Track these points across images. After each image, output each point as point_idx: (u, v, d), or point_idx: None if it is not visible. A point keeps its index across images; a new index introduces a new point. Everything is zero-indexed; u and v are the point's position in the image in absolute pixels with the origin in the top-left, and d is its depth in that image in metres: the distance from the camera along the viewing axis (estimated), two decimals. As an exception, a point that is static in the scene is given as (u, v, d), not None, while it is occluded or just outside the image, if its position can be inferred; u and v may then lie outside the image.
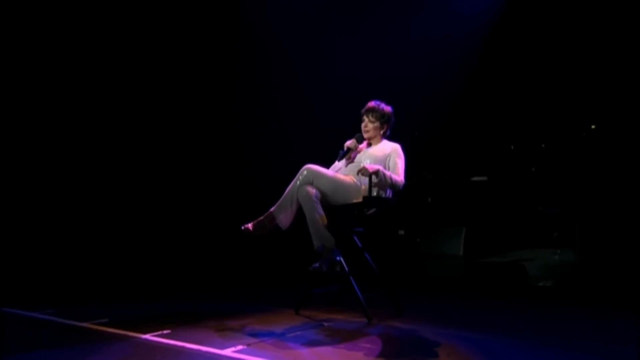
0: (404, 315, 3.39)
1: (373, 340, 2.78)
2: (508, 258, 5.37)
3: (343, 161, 3.52)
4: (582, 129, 5.47)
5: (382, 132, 3.56)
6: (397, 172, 3.40)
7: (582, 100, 5.79)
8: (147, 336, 2.75)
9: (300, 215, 3.23)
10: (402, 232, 5.54)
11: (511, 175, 5.84)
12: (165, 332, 2.85)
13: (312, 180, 3.20)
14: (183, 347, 2.55)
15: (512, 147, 6.20)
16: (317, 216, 3.14)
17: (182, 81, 5.90)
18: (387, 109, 3.56)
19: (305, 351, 2.53)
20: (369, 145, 3.59)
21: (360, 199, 3.26)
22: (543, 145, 6.02)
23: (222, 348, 2.51)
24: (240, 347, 2.55)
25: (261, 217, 3.24)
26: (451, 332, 2.93)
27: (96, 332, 2.91)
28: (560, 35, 5.90)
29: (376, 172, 3.21)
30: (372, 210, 3.46)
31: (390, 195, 3.44)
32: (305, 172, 3.22)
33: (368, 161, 3.41)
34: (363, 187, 3.29)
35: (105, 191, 5.39)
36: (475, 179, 5.72)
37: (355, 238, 3.45)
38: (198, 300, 4.19)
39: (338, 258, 3.20)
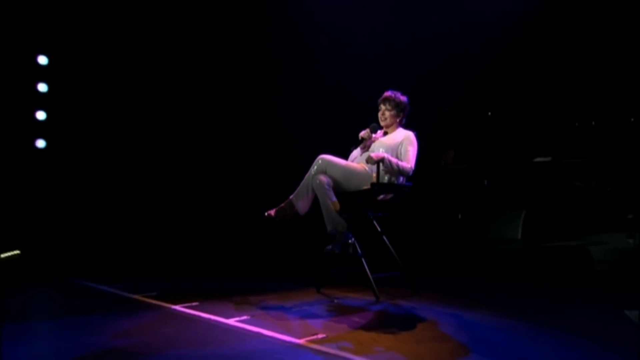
0: (418, 295, 3.66)
1: (367, 315, 3.13)
2: (574, 242, 5.30)
3: (359, 149, 3.85)
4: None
5: (398, 120, 3.83)
6: (407, 158, 3.66)
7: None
8: (177, 307, 3.34)
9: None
10: (460, 216, 5.69)
11: (587, 154, 5.72)
12: (194, 304, 3.41)
13: (325, 169, 3.58)
14: (195, 315, 3.10)
15: (593, 123, 6.06)
16: (330, 202, 3.51)
17: (203, 68, 6.71)
18: (403, 98, 3.82)
19: (297, 322, 2.95)
20: (385, 133, 3.88)
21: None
22: (632, 120, 5.82)
23: (228, 318, 3.02)
24: (244, 317, 3.04)
25: (282, 204, 3.68)
26: (448, 312, 3.18)
27: (141, 302, 3.55)
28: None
29: (382, 160, 3.51)
30: (389, 197, 3.76)
31: (404, 182, 3.71)
32: (319, 162, 3.61)
33: (382, 149, 3.71)
34: (374, 174, 3.61)
35: (158, 186, 6.47)
36: (538, 159, 5.68)
37: (375, 222, 3.77)
38: (236, 280, 4.71)
39: (351, 240, 3.56)
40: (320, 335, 2.62)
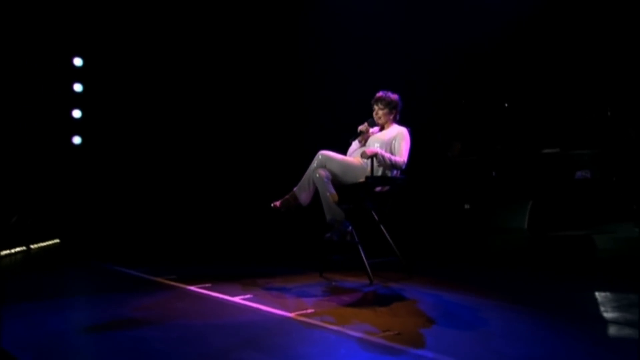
0: (411, 279, 4.05)
1: (357, 295, 3.56)
2: (579, 232, 5.56)
3: (357, 143, 4.25)
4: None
5: (391, 117, 4.21)
6: (400, 153, 4.04)
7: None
8: (191, 287, 3.83)
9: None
10: (467, 206, 6.02)
11: (599, 144, 5.95)
12: (207, 285, 3.89)
13: (325, 163, 4.00)
14: (206, 294, 3.58)
15: (609, 113, 6.28)
16: (328, 194, 3.93)
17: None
18: (394, 96, 4.20)
19: (293, 300, 3.39)
20: (382, 129, 4.27)
21: (369, 179, 3.99)
22: None
23: (234, 296, 3.48)
24: (249, 295, 3.50)
25: (286, 196, 4.12)
26: (431, 293, 3.58)
27: (161, 283, 4.06)
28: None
29: (375, 155, 3.91)
30: (386, 188, 4.16)
31: (397, 175, 4.10)
32: (320, 157, 4.03)
33: (377, 145, 4.10)
34: (369, 168, 4.01)
35: (183, 180, 7.21)
36: (546, 151, 5.94)
37: (373, 213, 4.18)
38: (247, 265, 5.17)
39: (349, 229, 3.97)
40: (309, 310, 3.05)
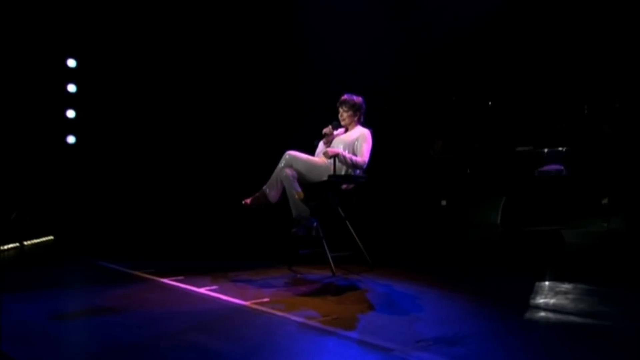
0: (372, 271, 4.35)
1: (315, 285, 3.87)
2: (550, 227, 5.83)
3: (323, 144, 4.55)
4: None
5: (356, 119, 4.52)
6: (361, 153, 4.34)
7: None
8: (165, 279, 4.16)
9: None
10: (444, 203, 6.31)
11: (577, 142, 6.21)
12: (180, 277, 4.22)
13: (291, 163, 4.31)
14: (176, 286, 3.91)
15: (586, 111, 6.53)
16: (294, 192, 4.24)
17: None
18: (358, 99, 4.50)
19: (254, 290, 3.71)
20: (346, 130, 4.57)
21: (332, 177, 4.30)
22: (617, 105, 6.28)
23: (200, 287, 3.81)
24: (214, 287, 3.82)
25: (256, 194, 4.44)
26: (384, 283, 3.89)
27: (138, 276, 4.39)
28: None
29: (336, 155, 4.21)
30: (351, 186, 4.47)
31: (360, 173, 4.41)
32: (287, 157, 4.34)
33: (341, 145, 4.41)
34: (332, 167, 4.31)
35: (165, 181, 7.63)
36: (520, 149, 6.21)
37: (340, 209, 4.50)
38: (222, 260, 5.40)
39: (314, 224, 4.28)
40: (265, 299, 3.37)
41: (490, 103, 7.29)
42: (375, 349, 2.37)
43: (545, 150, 5.99)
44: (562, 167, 6.08)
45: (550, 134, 6.30)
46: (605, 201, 5.88)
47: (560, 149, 6.10)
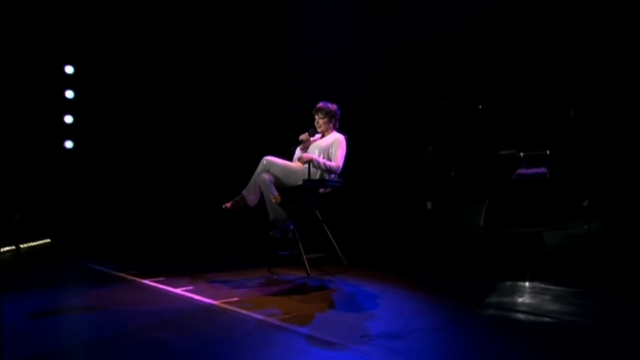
0: (347, 272, 4.52)
1: (287, 286, 4.05)
2: (532, 229, 5.97)
3: (299, 150, 4.74)
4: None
5: (331, 125, 4.70)
6: (336, 158, 4.52)
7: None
8: (145, 280, 4.36)
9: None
10: (429, 205, 6.46)
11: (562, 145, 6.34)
12: (160, 278, 4.42)
13: (268, 168, 4.50)
14: (154, 286, 4.11)
15: (572, 114, 6.66)
16: (271, 196, 4.43)
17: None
18: (333, 107, 4.69)
19: (227, 290, 3.90)
20: (322, 136, 4.75)
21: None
22: (602, 109, 6.40)
23: (177, 287, 4.01)
24: (190, 287, 4.01)
25: (236, 198, 4.64)
26: (354, 283, 4.05)
27: (121, 277, 4.60)
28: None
29: (310, 160, 4.40)
30: (328, 190, 4.65)
31: (335, 178, 4.59)
32: (264, 162, 4.53)
33: (316, 151, 4.60)
34: (307, 172, 4.50)
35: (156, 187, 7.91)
36: (503, 152, 6.35)
37: (317, 212, 4.67)
38: (206, 262, 5.61)
39: (291, 227, 4.47)
40: (234, 299, 3.56)
41: (480, 107, 7.46)
42: (319, 342, 2.55)
43: (521, 154, 6.12)
44: (546, 170, 6.22)
45: (535, 137, 6.44)
46: (586, 203, 6.02)
47: (544, 152, 6.25)
